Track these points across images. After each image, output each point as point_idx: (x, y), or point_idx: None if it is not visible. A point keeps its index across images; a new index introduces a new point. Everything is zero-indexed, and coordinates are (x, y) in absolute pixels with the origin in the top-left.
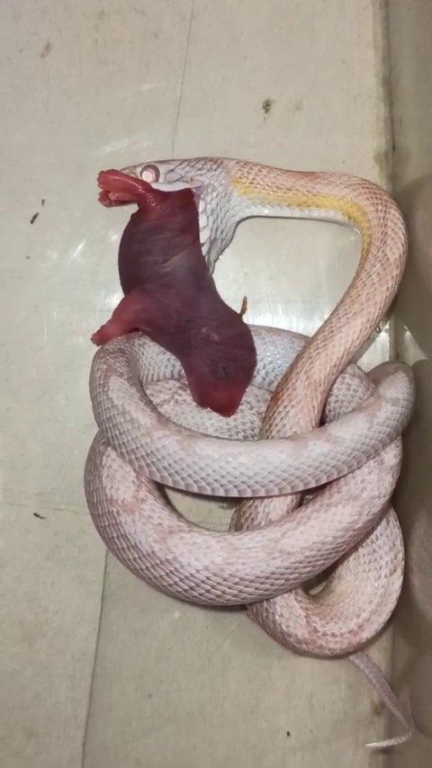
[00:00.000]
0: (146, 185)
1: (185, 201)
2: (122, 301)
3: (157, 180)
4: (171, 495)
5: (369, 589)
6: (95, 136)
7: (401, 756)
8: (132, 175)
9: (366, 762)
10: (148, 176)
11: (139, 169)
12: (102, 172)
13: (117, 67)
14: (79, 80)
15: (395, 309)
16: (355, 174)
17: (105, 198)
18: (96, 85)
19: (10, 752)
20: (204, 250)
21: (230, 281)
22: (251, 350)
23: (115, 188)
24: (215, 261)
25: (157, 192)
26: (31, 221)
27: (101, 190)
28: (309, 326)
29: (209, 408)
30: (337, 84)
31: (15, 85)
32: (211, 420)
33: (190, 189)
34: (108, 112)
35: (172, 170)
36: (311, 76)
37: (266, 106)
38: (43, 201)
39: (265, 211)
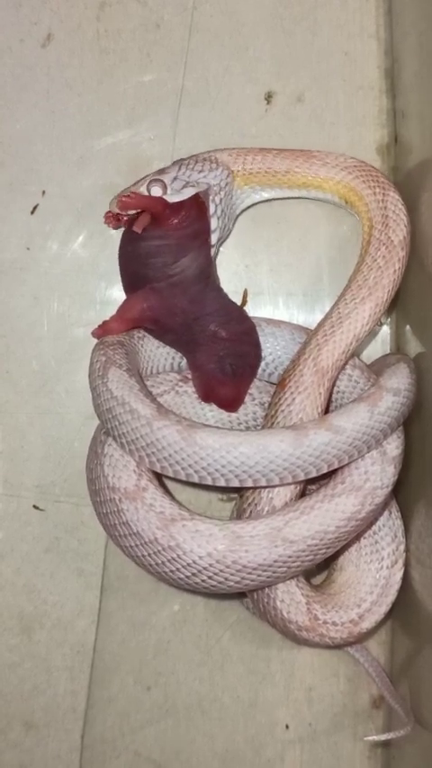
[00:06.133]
0: (162, 201)
1: (199, 208)
2: (128, 299)
3: (165, 192)
4: (170, 486)
5: (370, 580)
6: (97, 126)
7: (400, 750)
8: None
9: (365, 755)
10: (156, 191)
11: (144, 186)
12: (120, 195)
13: (118, 58)
14: (80, 70)
15: (397, 302)
16: None
17: (113, 221)
18: (97, 76)
19: (8, 744)
20: (213, 251)
21: (231, 273)
22: (257, 346)
23: (134, 208)
24: (216, 256)
25: (172, 205)
26: (32, 212)
27: (110, 213)
28: (310, 319)
29: (213, 404)
30: (339, 76)
31: (16, 75)
32: (212, 411)
33: (199, 194)
34: (109, 103)
35: (175, 178)
36: (314, 68)
37: (268, 97)
38: (44, 192)
39: (265, 195)
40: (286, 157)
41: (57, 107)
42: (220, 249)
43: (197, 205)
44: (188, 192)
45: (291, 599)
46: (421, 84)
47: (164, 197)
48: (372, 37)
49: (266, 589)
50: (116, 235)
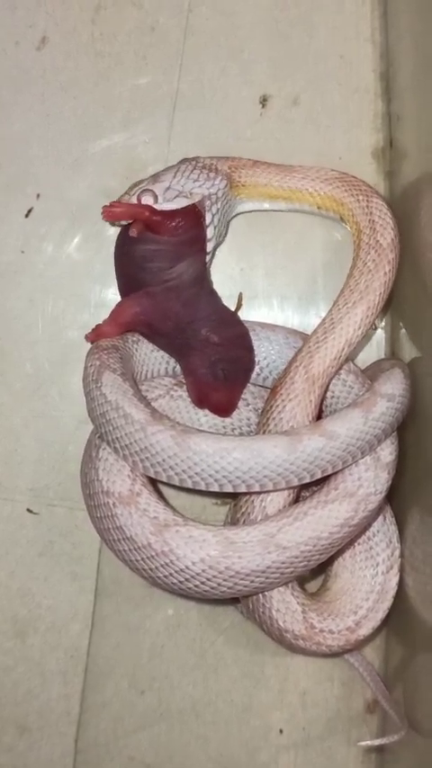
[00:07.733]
0: (151, 209)
1: (195, 218)
2: (121, 303)
3: (156, 202)
4: (164, 492)
5: (366, 586)
6: (92, 129)
7: (394, 755)
8: (132, 202)
9: (359, 760)
10: (147, 200)
11: (134, 196)
12: (105, 207)
13: (114, 61)
14: (75, 73)
15: (391, 306)
16: (351, 170)
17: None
18: (93, 79)
19: (2, 748)
20: (208, 258)
21: (226, 277)
22: (250, 350)
23: (121, 218)
24: (211, 261)
25: (163, 213)
26: (26, 215)
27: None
28: (305, 322)
29: (207, 409)
30: (334, 80)
31: (11, 78)
32: (206, 416)
33: (195, 204)
34: (104, 106)
35: (168, 188)
36: (309, 71)
37: (264, 100)
38: (38, 195)
39: (251, 206)
40: (271, 171)
41: (52, 110)
42: (215, 253)
43: (193, 213)
44: (180, 202)
45: (287, 608)
46: (416, 87)
47: (154, 206)
48: (367, 40)
49: (262, 598)
50: (111, 238)
